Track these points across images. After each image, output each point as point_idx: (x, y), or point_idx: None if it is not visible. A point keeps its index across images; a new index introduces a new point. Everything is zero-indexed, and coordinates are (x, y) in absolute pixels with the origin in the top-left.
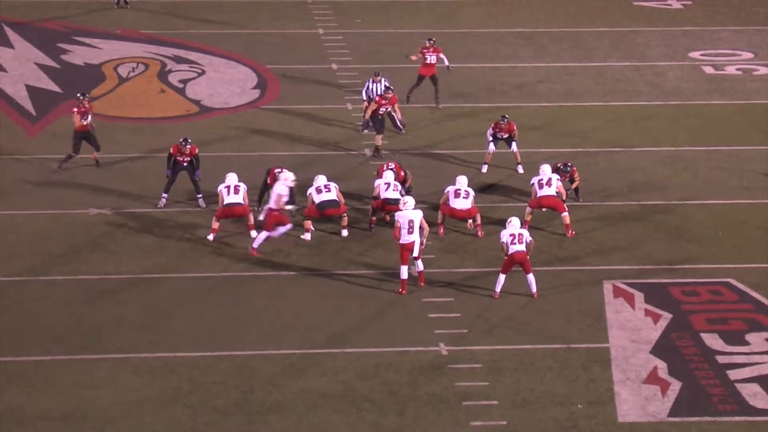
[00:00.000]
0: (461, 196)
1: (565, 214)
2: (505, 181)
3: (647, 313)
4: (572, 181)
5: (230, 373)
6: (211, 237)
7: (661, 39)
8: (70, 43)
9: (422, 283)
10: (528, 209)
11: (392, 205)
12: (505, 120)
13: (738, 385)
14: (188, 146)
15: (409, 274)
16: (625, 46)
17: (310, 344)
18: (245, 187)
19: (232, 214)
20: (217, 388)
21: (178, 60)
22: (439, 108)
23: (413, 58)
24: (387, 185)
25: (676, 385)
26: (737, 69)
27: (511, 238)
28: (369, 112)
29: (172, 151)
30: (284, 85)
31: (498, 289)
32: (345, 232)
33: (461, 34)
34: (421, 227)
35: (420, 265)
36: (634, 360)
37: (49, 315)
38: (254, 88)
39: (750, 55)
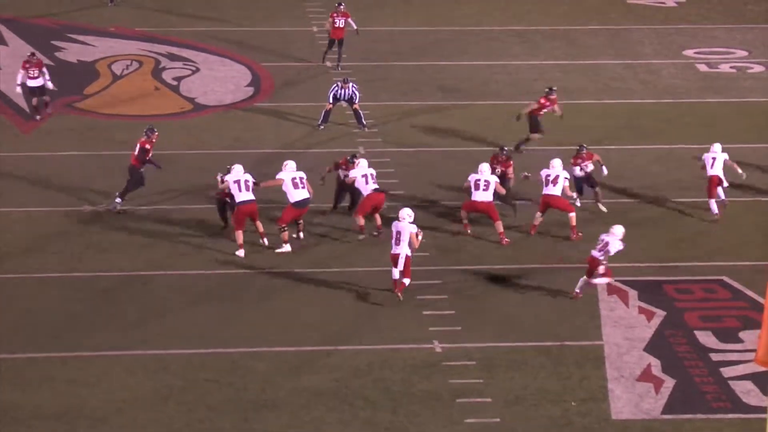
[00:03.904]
0: (481, 188)
1: (572, 214)
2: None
3: (641, 310)
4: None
5: (224, 371)
6: (241, 253)
7: (655, 37)
8: (64, 40)
9: (399, 293)
10: (537, 215)
11: (380, 194)
12: (584, 150)
13: (731, 383)
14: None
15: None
16: (618, 43)
17: (304, 342)
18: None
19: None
20: (211, 385)
21: (172, 57)
22: (338, 69)
23: (326, 25)
24: (365, 177)
25: (669, 383)
26: (731, 67)
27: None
28: (528, 110)
29: (146, 146)
30: (278, 83)
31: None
32: (302, 235)
33: (455, 31)
34: (410, 242)
35: (405, 281)
36: (627, 357)
37: (43, 312)
38: (248, 85)
39: (744, 53)
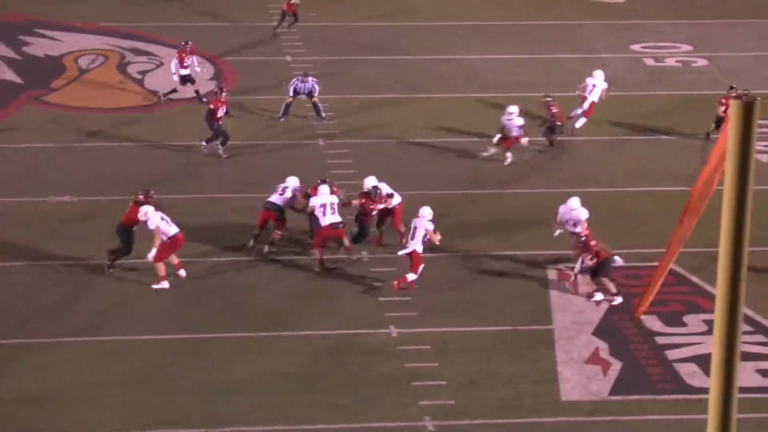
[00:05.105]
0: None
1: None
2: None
3: (590, 296)
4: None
5: (189, 355)
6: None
7: (606, 32)
8: (31, 35)
9: (395, 285)
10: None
11: (338, 229)
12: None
13: (676, 365)
14: None
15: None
16: (571, 38)
17: (267, 327)
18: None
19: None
20: (177, 369)
21: (137, 52)
22: (275, 33)
23: (283, 7)
24: (323, 207)
25: (616, 365)
26: (677, 61)
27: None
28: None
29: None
30: (240, 77)
31: None
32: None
33: (413, 27)
34: (428, 238)
35: (410, 276)
36: (577, 341)
37: (10, 300)
38: (211, 79)
39: (689, 48)
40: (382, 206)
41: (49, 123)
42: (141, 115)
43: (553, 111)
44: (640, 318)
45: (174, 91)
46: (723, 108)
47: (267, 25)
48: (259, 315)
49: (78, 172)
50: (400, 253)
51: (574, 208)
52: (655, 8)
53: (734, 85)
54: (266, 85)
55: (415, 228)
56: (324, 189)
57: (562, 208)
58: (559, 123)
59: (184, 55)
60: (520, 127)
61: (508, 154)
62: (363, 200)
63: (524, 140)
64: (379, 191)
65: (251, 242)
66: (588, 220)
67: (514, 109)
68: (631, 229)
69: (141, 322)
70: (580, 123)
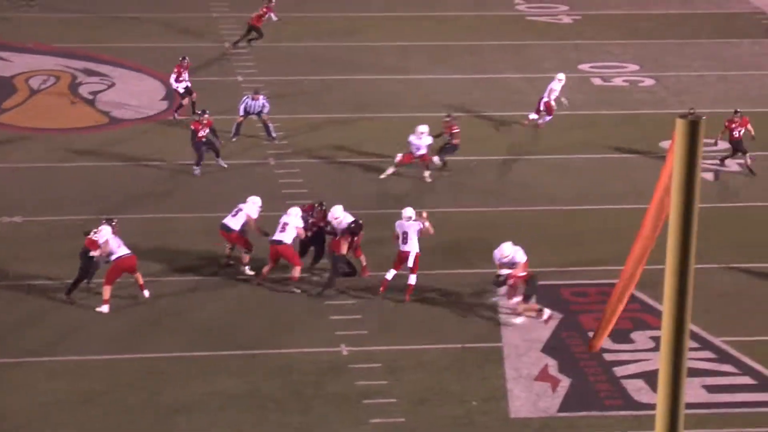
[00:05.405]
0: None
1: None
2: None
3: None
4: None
5: (141, 375)
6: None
7: (553, 52)
8: None
9: (408, 298)
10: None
11: (277, 245)
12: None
13: (623, 381)
14: None
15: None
16: (520, 58)
17: (218, 346)
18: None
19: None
20: (129, 389)
21: (89, 73)
22: (232, 47)
23: (249, 22)
24: (279, 224)
25: (565, 382)
26: (624, 81)
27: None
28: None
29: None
30: (192, 97)
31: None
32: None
33: (363, 47)
34: (424, 234)
35: (412, 279)
36: (526, 358)
37: None
38: (163, 99)
39: (636, 68)
40: (327, 225)
41: (0, 144)
42: (93, 135)
43: (454, 131)
44: (598, 350)
45: (180, 105)
46: (732, 131)
47: (218, 46)
48: (211, 334)
49: (29, 192)
50: (409, 263)
51: (507, 254)
52: (603, 28)
53: (738, 110)
54: (218, 105)
55: (405, 232)
56: (293, 211)
57: (496, 253)
58: (455, 142)
59: (182, 69)
60: (428, 146)
61: (390, 169)
62: (316, 221)
63: (435, 159)
64: (319, 208)
65: (224, 260)
66: (537, 237)
67: (424, 128)
68: (577, 247)
69: (95, 343)
70: (544, 119)
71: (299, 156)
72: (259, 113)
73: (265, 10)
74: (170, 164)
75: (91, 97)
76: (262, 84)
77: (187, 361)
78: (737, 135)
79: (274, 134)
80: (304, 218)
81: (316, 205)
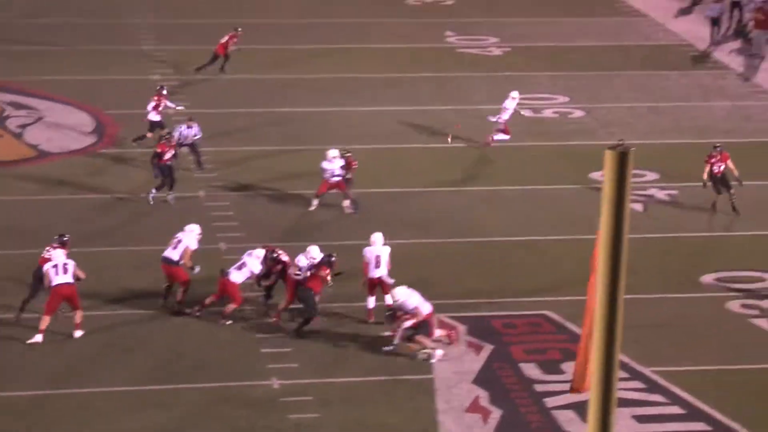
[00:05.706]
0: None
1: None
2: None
3: (469, 344)
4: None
5: (68, 411)
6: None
7: (484, 83)
8: None
9: (371, 318)
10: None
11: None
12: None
13: (554, 412)
14: None
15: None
16: (450, 90)
17: (147, 381)
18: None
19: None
20: (55, 425)
21: (17, 106)
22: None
23: (216, 50)
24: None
25: (496, 413)
26: (554, 112)
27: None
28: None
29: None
30: (122, 129)
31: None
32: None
33: (294, 79)
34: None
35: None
36: (457, 390)
37: None
38: (92, 132)
39: (565, 99)
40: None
41: None
42: (20, 169)
43: (354, 166)
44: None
45: (143, 137)
46: (711, 166)
47: (147, 78)
48: (144, 368)
49: None
50: (392, 294)
51: (398, 299)
52: (532, 60)
53: (718, 144)
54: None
55: (378, 256)
56: (257, 252)
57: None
58: (349, 177)
59: (161, 99)
60: (341, 171)
61: (315, 201)
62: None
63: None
64: (278, 254)
65: (163, 298)
66: (466, 269)
67: (334, 152)
68: (507, 278)
69: (20, 377)
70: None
71: (230, 189)
72: (191, 144)
73: (229, 38)
74: (100, 198)
75: (18, 130)
76: (193, 116)
77: (119, 395)
78: (717, 170)
79: (204, 165)
80: (265, 263)
81: (268, 252)
